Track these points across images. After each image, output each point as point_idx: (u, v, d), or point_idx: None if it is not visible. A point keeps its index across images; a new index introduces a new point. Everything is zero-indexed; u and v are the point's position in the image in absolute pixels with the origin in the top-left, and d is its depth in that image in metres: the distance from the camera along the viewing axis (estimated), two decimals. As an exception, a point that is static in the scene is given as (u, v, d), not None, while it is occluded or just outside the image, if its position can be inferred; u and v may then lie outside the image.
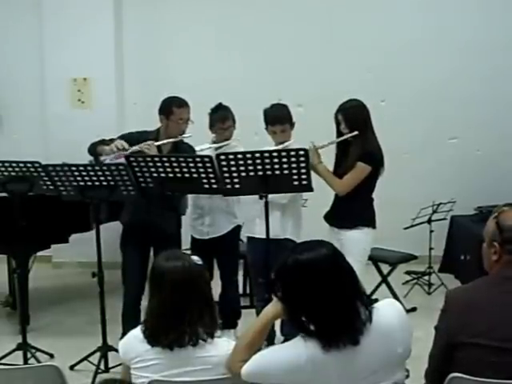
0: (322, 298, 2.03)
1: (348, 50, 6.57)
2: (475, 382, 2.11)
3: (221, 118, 4.39)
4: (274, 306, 2.22)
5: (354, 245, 3.96)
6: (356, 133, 3.95)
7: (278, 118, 4.09)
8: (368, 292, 4.91)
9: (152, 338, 2.29)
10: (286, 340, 3.10)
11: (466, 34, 6.50)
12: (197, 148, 4.28)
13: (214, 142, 4.44)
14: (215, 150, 4.33)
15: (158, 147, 4.13)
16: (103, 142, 4.18)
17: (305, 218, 4.31)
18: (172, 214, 4.06)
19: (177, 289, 2.27)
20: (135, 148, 4.04)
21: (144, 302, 3.13)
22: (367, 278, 4.24)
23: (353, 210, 4.05)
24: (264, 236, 3.92)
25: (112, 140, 4.13)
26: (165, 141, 4.16)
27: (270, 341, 3.77)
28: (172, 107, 4.18)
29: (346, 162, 4.04)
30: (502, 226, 2.23)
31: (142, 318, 2.44)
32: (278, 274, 2.14)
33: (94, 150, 4.22)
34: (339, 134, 4.06)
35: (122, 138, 4.18)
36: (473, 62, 6.53)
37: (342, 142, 4.05)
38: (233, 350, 2.24)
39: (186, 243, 4.37)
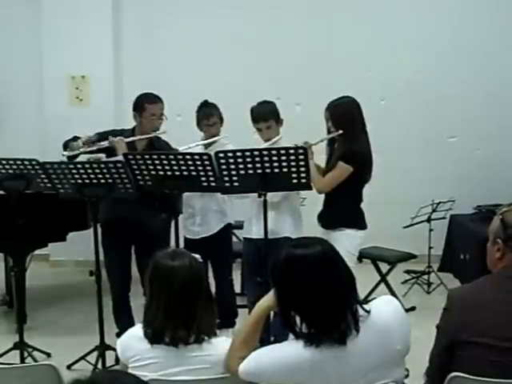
0: (310, 296, 2.01)
1: (347, 48, 6.56)
2: (476, 382, 2.09)
3: (205, 114, 4.39)
4: (267, 299, 2.21)
5: (337, 246, 3.84)
6: (340, 132, 3.84)
7: (261, 115, 4.07)
8: (367, 291, 4.92)
9: (157, 336, 2.26)
10: (275, 340, 3.06)
11: (466, 33, 6.50)
12: (185, 146, 4.25)
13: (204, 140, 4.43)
14: (204, 148, 4.32)
15: (132, 144, 4.13)
16: (76, 139, 4.17)
17: (303, 218, 4.27)
18: (152, 211, 4.11)
19: (186, 287, 2.26)
20: (104, 143, 4.07)
21: (139, 301, 3.10)
22: (367, 277, 4.24)
23: (334, 210, 3.97)
24: (259, 236, 3.90)
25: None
26: (136, 137, 4.15)
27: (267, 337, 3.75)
28: (144, 103, 4.16)
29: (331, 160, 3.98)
30: (506, 223, 2.24)
31: (136, 315, 2.41)
32: (272, 268, 2.14)
33: (66, 145, 4.20)
34: (329, 131, 3.98)
35: (98, 134, 4.17)
36: (473, 61, 6.52)
37: (331, 140, 3.99)
38: (230, 347, 2.22)
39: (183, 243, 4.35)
